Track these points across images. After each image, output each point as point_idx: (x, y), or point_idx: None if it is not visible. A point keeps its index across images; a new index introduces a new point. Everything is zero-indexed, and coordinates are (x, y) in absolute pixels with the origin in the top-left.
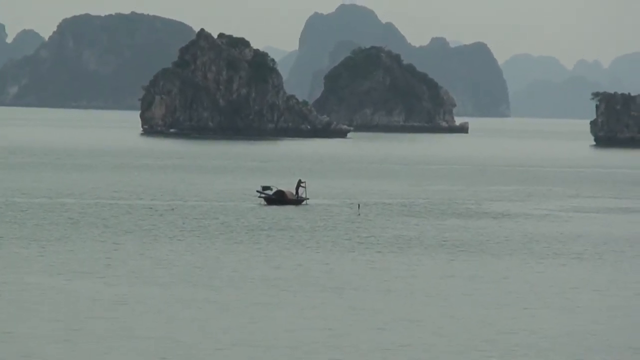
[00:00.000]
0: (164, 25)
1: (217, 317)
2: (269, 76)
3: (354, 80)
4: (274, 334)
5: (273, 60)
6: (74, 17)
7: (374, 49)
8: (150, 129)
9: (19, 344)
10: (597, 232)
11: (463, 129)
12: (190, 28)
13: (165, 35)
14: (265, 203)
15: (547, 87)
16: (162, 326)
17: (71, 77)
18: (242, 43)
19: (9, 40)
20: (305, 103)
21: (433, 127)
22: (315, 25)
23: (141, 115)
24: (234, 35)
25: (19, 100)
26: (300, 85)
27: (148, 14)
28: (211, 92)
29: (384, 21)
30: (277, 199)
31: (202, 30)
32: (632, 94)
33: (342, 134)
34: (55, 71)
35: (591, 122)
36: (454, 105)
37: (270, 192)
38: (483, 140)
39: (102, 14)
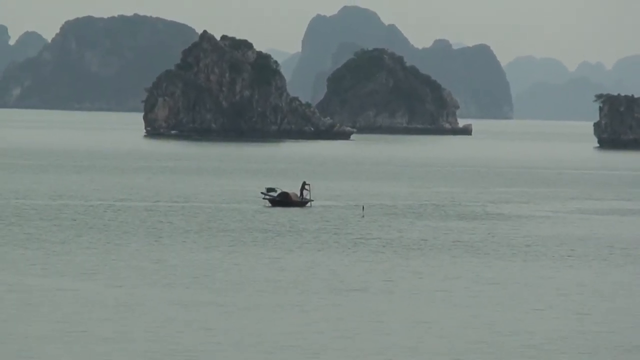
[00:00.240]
0: (166, 27)
1: (221, 319)
2: (272, 78)
3: (357, 82)
4: (279, 336)
5: (276, 62)
6: (77, 19)
7: (376, 50)
8: (153, 130)
9: (20, 345)
10: (602, 234)
11: (466, 130)
12: (193, 30)
13: (167, 37)
14: (270, 205)
15: (550, 89)
16: (164, 328)
17: (74, 79)
18: (245, 45)
19: (11, 42)
20: (308, 105)
21: (436, 129)
22: (318, 27)
23: (144, 117)
24: (237, 37)
25: (22, 102)
26: (303, 87)
27: (151, 16)
28: (214, 94)
29: (386, 23)
30: (282, 200)
31: (205, 32)
32: (636, 96)
33: (345, 136)
34: (57, 73)
35: (594, 124)
36: (457, 107)
37: (274, 194)
38: (486, 142)
39: (105, 16)
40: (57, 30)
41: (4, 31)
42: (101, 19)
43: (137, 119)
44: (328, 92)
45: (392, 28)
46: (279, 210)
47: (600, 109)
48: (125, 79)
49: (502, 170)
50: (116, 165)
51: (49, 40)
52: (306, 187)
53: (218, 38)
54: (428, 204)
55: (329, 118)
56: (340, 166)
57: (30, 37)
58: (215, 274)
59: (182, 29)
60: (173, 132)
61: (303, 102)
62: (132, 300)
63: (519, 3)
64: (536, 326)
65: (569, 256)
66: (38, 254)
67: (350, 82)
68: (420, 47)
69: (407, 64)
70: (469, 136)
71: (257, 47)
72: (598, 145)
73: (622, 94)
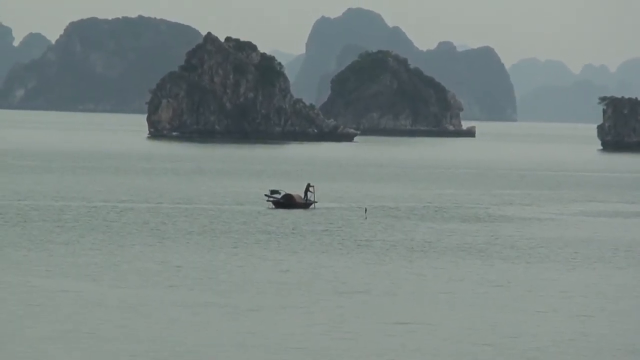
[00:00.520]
0: (170, 28)
1: (224, 321)
2: (276, 80)
3: (361, 84)
4: (282, 337)
5: (280, 63)
6: (81, 20)
7: (380, 52)
8: (156, 132)
9: (24, 346)
10: (605, 236)
11: (470, 133)
12: (197, 31)
13: (171, 38)
14: (274, 207)
15: (554, 91)
16: (168, 329)
17: (78, 80)
18: (249, 47)
19: (15, 43)
20: (312, 107)
21: (440, 131)
22: (322, 29)
23: (148, 119)
24: (241, 39)
25: (26, 104)
26: (307, 89)
27: (155, 18)
28: (218, 96)
29: (390, 25)
30: (286, 202)
31: (209, 33)
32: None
33: (349, 138)
34: (62, 74)
35: (598, 127)
36: (461, 109)
37: (278, 196)
38: (490, 144)
39: (109, 17)
40: (61, 32)
41: (8, 32)
42: (105, 20)
43: (140, 121)
44: (332, 93)
45: (396, 30)
46: (282, 212)
47: (604, 111)
48: (129, 80)
49: (506, 173)
50: (119, 167)
51: (53, 42)
52: (310, 189)
53: (222, 40)
54: (431, 206)
55: (332, 120)
56: (344, 168)
57: (34, 39)
58: (219, 275)
59: (186, 31)
60: (174, 133)
61: (307, 103)
62: (136, 301)
63: (523, 5)
64: (540, 328)
65: (572, 258)
66: (41, 255)
67: (354, 84)
68: (424, 49)
69: (411, 66)
70: (473, 138)
71: (261, 48)
72: (602, 147)
73: (626, 97)
